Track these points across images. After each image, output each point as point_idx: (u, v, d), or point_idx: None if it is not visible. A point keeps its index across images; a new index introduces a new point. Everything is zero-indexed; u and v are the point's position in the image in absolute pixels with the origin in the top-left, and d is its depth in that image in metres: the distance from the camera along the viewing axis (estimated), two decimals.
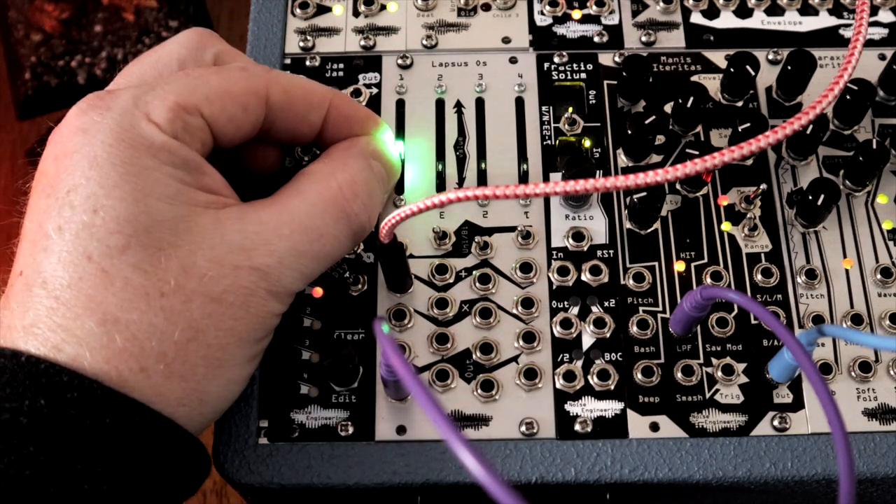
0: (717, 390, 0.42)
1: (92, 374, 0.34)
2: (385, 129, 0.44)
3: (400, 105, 0.48)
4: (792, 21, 0.51)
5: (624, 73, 0.47)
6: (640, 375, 0.42)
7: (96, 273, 0.34)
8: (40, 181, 0.37)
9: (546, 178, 0.47)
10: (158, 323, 0.35)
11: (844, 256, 0.45)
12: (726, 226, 0.45)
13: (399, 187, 0.46)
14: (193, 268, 0.36)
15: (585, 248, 0.45)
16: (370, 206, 0.41)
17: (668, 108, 0.48)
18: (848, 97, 0.46)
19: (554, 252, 0.45)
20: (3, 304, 0.36)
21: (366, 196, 0.40)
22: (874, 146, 0.44)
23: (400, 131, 0.48)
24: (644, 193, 0.43)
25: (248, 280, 0.37)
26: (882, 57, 0.50)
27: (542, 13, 0.51)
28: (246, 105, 0.39)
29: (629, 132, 0.46)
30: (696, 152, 0.44)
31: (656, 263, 0.45)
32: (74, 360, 0.34)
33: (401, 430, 0.41)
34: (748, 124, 0.45)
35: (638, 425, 0.41)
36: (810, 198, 0.44)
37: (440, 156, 0.47)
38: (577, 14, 0.51)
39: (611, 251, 0.45)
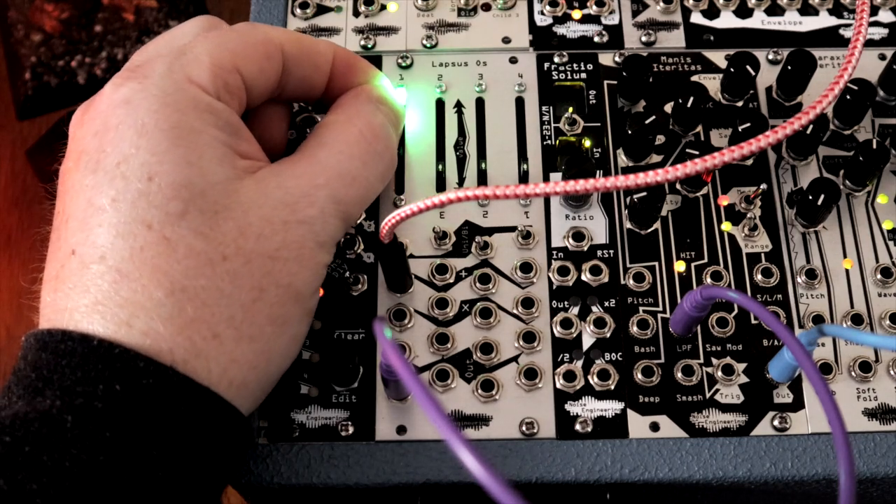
0: (717, 390, 0.42)
1: (167, 347, 0.34)
2: (383, 77, 0.45)
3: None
4: (792, 21, 0.51)
5: (624, 73, 0.47)
6: (640, 375, 0.42)
7: (158, 241, 0.34)
8: (81, 159, 0.36)
9: (546, 178, 0.47)
10: (225, 287, 0.35)
11: (844, 256, 0.45)
12: (726, 226, 0.45)
13: (399, 187, 0.46)
14: (249, 228, 0.36)
15: (585, 248, 0.45)
16: (390, 147, 0.42)
17: (668, 108, 0.48)
18: (848, 97, 0.46)
19: (554, 252, 0.45)
20: (53, 287, 0.35)
21: (385, 137, 0.41)
22: (874, 146, 0.44)
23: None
24: (644, 193, 0.43)
25: (298, 234, 0.37)
26: (882, 57, 0.50)
27: (542, 13, 0.51)
28: (268, 53, 0.39)
29: (629, 132, 0.46)
30: (696, 152, 0.44)
31: (656, 263, 0.45)
32: (146, 335, 0.33)
33: (401, 430, 0.41)
34: (748, 124, 0.45)
35: (638, 425, 0.41)
36: (810, 198, 0.44)
37: (440, 156, 0.47)
38: (577, 14, 0.51)
39: (611, 251, 0.45)
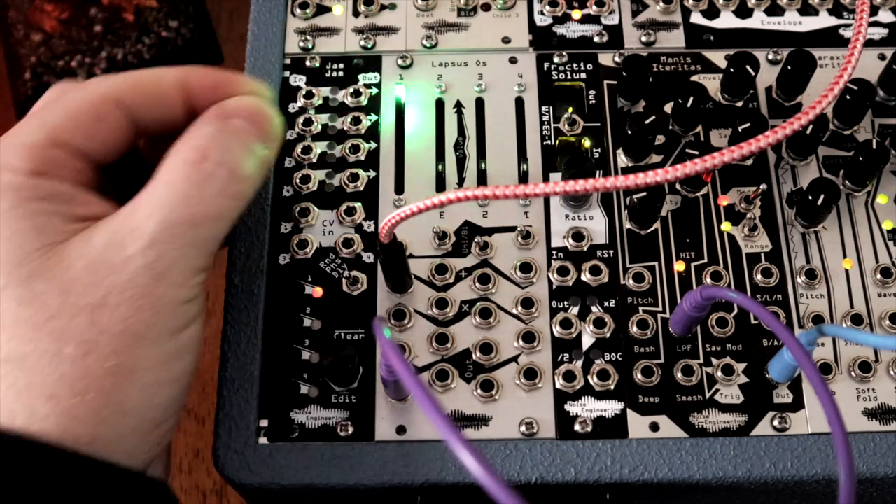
0: (717, 390, 0.42)
1: (8, 417, 0.34)
2: (254, 86, 0.42)
3: (400, 105, 0.48)
4: (792, 21, 0.51)
5: (624, 73, 0.47)
6: (640, 375, 0.42)
7: None
8: None
9: (546, 178, 0.47)
10: (51, 347, 0.34)
11: (844, 256, 0.45)
12: (726, 226, 0.45)
13: (399, 187, 0.46)
14: (73, 283, 0.35)
15: (585, 248, 0.45)
16: (229, 162, 0.39)
17: (668, 108, 0.48)
18: (848, 97, 0.46)
19: (554, 252, 0.45)
20: None
21: (218, 154, 0.38)
22: (874, 146, 0.44)
23: (400, 131, 0.48)
24: (644, 193, 0.43)
25: (128, 273, 0.36)
26: (882, 57, 0.50)
27: (542, 13, 0.51)
28: (99, 115, 0.39)
29: (629, 132, 0.46)
30: (696, 152, 0.44)
31: (656, 263, 0.45)
32: None
33: (401, 430, 0.41)
34: (748, 124, 0.45)
35: (638, 425, 0.42)
36: (810, 198, 0.44)
37: (440, 156, 0.47)
38: (577, 14, 0.51)
39: (611, 251, 0.45)
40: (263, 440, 0.41)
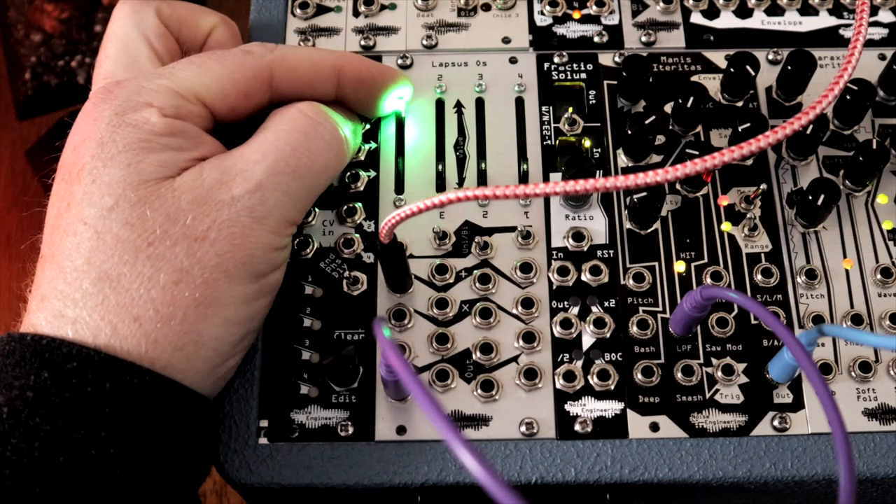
0: (717, 390, 0.42)
1: (91, 333, 0.36)
2: (402, 82, 0.46)
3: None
4: (792, 21, 0.51)
5: (624, 73, 0.47)
6: (640, 375, 0.42)
7: (91, 236, 0.37)
8: (60, 171, 0.39)
9: (546, 178, 0.47)
10: (145, 271, 0.36)
11: (844, 256, 0.45)
12: (726, 226, 0.45)
13: (399, 187, 0.46)
14: (179, 212, 0.37)
15: (585, 248, 0.45)
16: (332, 123, 0.42)
17: (668, 108, 0.48)
18: (848, 97, 0.46)
19: (554, 252, 0.45)
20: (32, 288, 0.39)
21: (326, 113, 0.42)
22: (874, 146, 0.44)
23: (400, 131, 0.48)
24: (644, 193, 0.43)
25: (230, 212, 0.38)
26: (882, 57, 0.50)
27: (542, 13, 0.51)
28: (248, 92, 0.42)
29: (629, 132, 0.46)
30: (696, 152, 0.44)
31: (656, 263, 0.45)
32: (75, 323, 0.36)
33: (401, 430, 0.41)
34: (748, 124, 0.45)
35: (638, 425, 0.41)
36: (810, 198, 0.44)
37: (440, 156, 0.47)
38: (577, 14, 0.51)
39: (611, 251, 0.45)
40: (263, 440, 0.41)
